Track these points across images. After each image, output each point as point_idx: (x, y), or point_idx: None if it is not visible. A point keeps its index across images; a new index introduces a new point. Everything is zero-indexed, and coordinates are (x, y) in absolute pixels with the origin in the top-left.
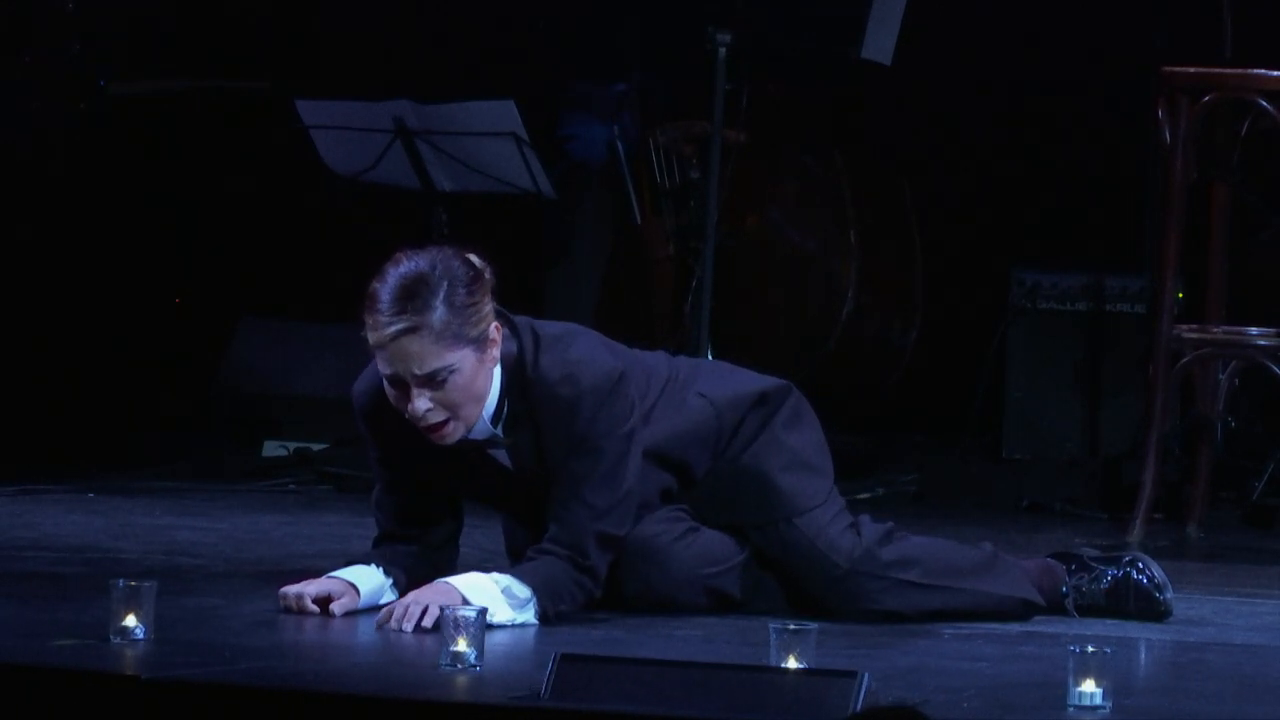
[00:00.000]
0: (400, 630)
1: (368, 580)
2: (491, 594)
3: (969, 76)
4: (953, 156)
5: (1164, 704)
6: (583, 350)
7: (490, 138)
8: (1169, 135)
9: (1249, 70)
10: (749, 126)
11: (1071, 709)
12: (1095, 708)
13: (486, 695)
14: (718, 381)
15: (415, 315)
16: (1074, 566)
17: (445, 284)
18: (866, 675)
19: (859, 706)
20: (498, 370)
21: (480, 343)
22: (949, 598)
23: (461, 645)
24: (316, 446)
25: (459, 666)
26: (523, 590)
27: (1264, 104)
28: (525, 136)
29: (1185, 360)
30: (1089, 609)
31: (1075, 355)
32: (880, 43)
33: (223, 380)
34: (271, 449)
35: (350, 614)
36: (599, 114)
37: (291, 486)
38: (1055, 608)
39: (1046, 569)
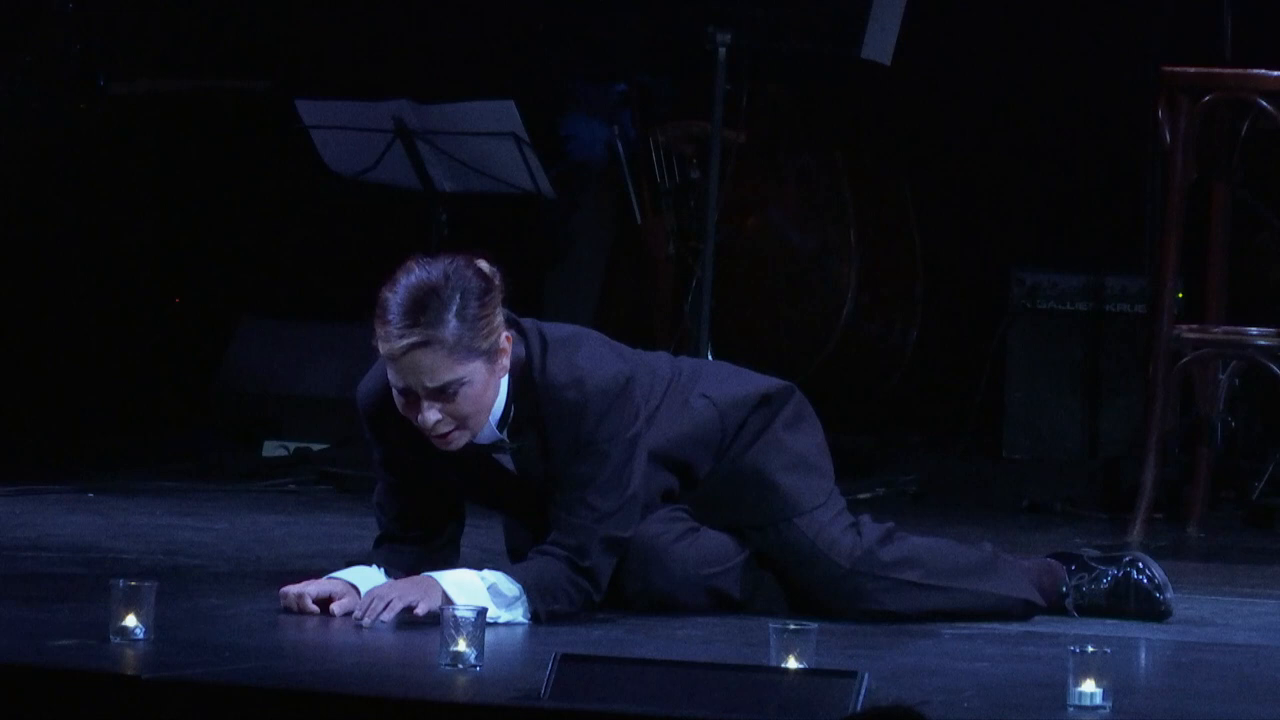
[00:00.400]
0: (361, 623)
1: (368, 581)
2: (475, 590)
3: (969, 76)
4: (953, 156)
5: (1164, 704)
6: (589, 354)
7: (490, 138)
8: (1169, 135)
9: (1249, 70)
10: (749, 126)
11: (1071, 709)
12: (1095, 708)
13: (486, 695)
14: (721, 383)
15: (427, 329)
16: (1074, 566)
17: (457, 296)
18: (866, 675)
19: (859, 706)
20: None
21: (491, 354)
22: (949, 598)
23: (461, 645)
24: (316, 446)
25: (459, 666)
26: (511, 588)
27: (1264, 104)
28: (525, 136)
29: (1185, 360)
30: (1089, 609)
31: (1075, 355)
32: (880, 43)
33: (223, 380)
34: (271, 449)
35: (350, 614)
36: (599, 114)
37: (291, 486)
38: (1055, 608)
39: (1046, 569)
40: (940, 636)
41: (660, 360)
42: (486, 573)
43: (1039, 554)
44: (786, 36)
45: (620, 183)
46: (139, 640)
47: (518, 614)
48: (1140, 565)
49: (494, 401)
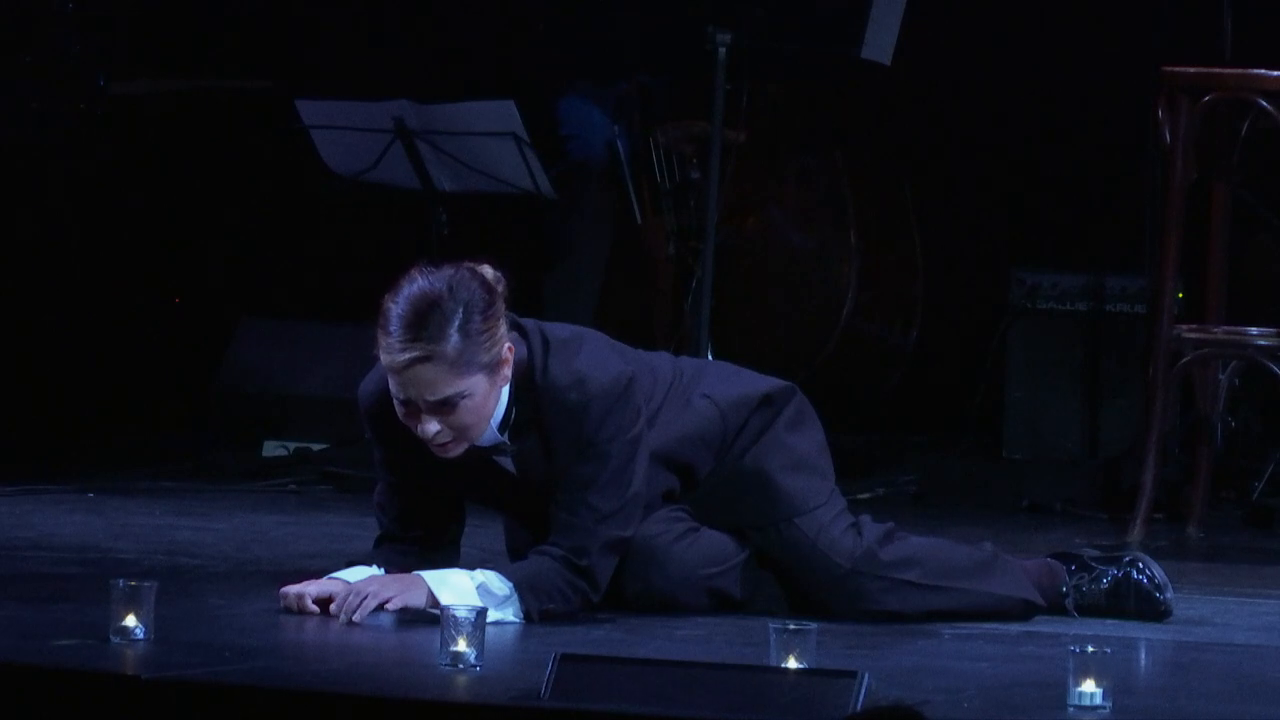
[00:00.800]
0: (341, 618)
1: None
2: (464, 589)
3: (969, 76)
4: (953, 156)
5: (1164, 704)
6: (591, 355)
7: (490, 138)
8: (1169, 135)
9: (1249, 70)
10: (749, 126)
11: (1071, 709)
12: (1095, 708)
13: (486, 695)
14: (722, 383)
15: (429, 344)
16: (1074, 566)
17: (460, 310)
18: (866, 675)
19: (859, 706)
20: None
21: (492, 366)
22: (949, 598)
23: (461, 645)
24: (316, 446)
25: (459, 666)
26: (502, 587)
27: (1264, 104)
28: (525, 136)
29: (1185, 360)
30: (1089, 609)
31: (1075, 355)
32: (880, 43)
33: (223, 380)
34: (271, 449)
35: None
36: (599, 114)
37: (291, 486)
38: (1055, 608)
39: (1046, 569)
40: (940, 636)
41: (661, 360)
42: (478, 572)
43: (1039, 554)
44: (786, 36)
45: (620, 183)
46: (139, 640)
47: (508, 613)
48: (1140, 565)
49: (493, 411)
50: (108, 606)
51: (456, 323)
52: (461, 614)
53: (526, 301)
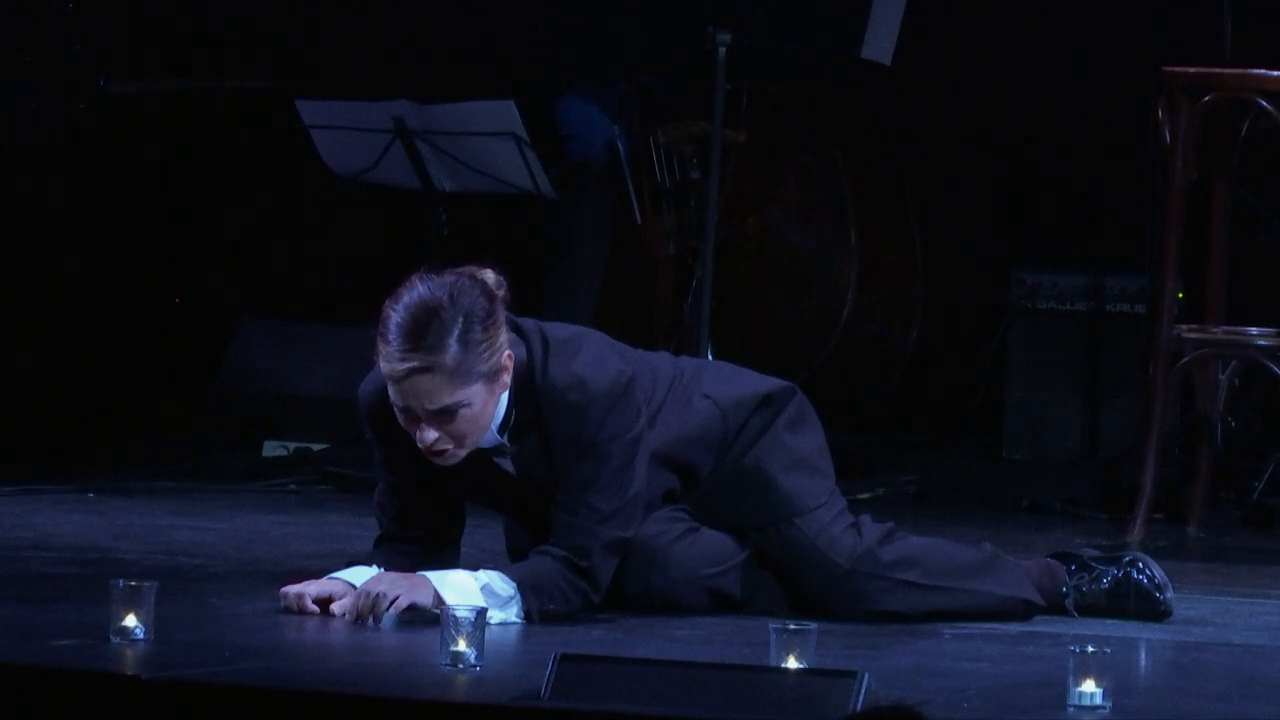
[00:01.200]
0: (356, 621)
1: None
2: (469, 591)
3: (969, 76)
4: (953, 156)
5: (1164, 704)
6: (591, 355)
7: (490, 138)
8: (1169, 135)
9: (1249, 70)
10: (749, 126)
11: (1071, 709)
12: (1095, 708)
13: (486, 695)
14: (722, 383)
15: (428, 354)
16: (1074, 566)
17: (460, 320)
18: (866, 675)
19: (859, 706)
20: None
21: (492, 375)
22: (949, 598)
23: (461, 645)
24: (316, 446)
25: (459, 666)
26: (506, 588)
27: (1264, 104)
28: (525, 136)
29: (1185, 360)
30: (1089, 609)
31: (1075, 355)
32: (880, 43)
33: (223, 380)
34: (271, 449)
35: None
36: (599, 114)
37: (291, 486)
38: (1055, 608)
39: (1046, 569)
40: (940, 636)
41: (661, 360)
42: (481, 573)
43: (1039, 554)
44: (786, 36)
45: (620, 183)
46: (139, 640)
47: (512, 613)
48: (1140, 565)
49: (492, 419)
50: (108, 606)
51: (456, 333)
52: (461, 614)
53: (526, 301)
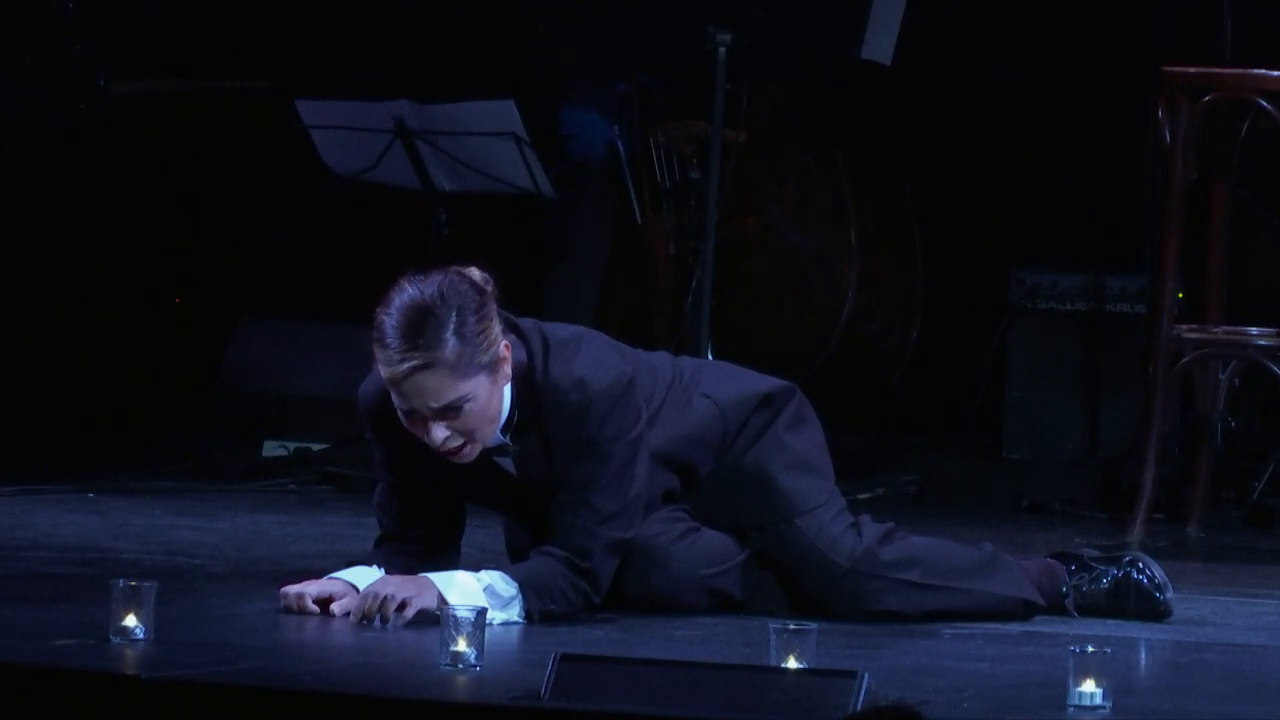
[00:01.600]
0: (362, 622)
1: (368, 581)
2: (472, 592)
3: (969, 76)
4: (953, 156)
5: (1164, 704)
6: (592, 355)
7: (490, 138)
8: (1169, 135)
9: (1249, 70)
10: (749, 126)
11: (1071, 709)
12: (1095, 708)
13: (486, 695)
14: (722, 383)
15: (427, 351)
16: (1074, 566)
17: (454, 314)
18: (866, 675)
19: (859, 706)
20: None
21: (492, 365)
22: (949, 598)
23: (461, 645)
24: (316, 446)
25: (459, 666)
26: (508, 588)
27: (1264, 104)
28: (525, 136)
29: (1185, 360)
30: (1089, 609)
31: (1075, 355)
32: (880, 43)
33: (223, 380)
34: (271, 449)
35: (349, 614)
36: (599, 114)
37: (291, 486)
38: (1055, 608)
39: (1046, 569)
40: (940, 636)
41: (661, 360)
42: (483, 573)
43: (1039, 554)
44: (786, 36)
45: (620, 183)
46: (139, 640)
47: (514, 613)
48: (1140, 565)
49: (500, 410)
50: (108, 606)
51: (451, 327)
52: (462, 614)
53: (526, 301)
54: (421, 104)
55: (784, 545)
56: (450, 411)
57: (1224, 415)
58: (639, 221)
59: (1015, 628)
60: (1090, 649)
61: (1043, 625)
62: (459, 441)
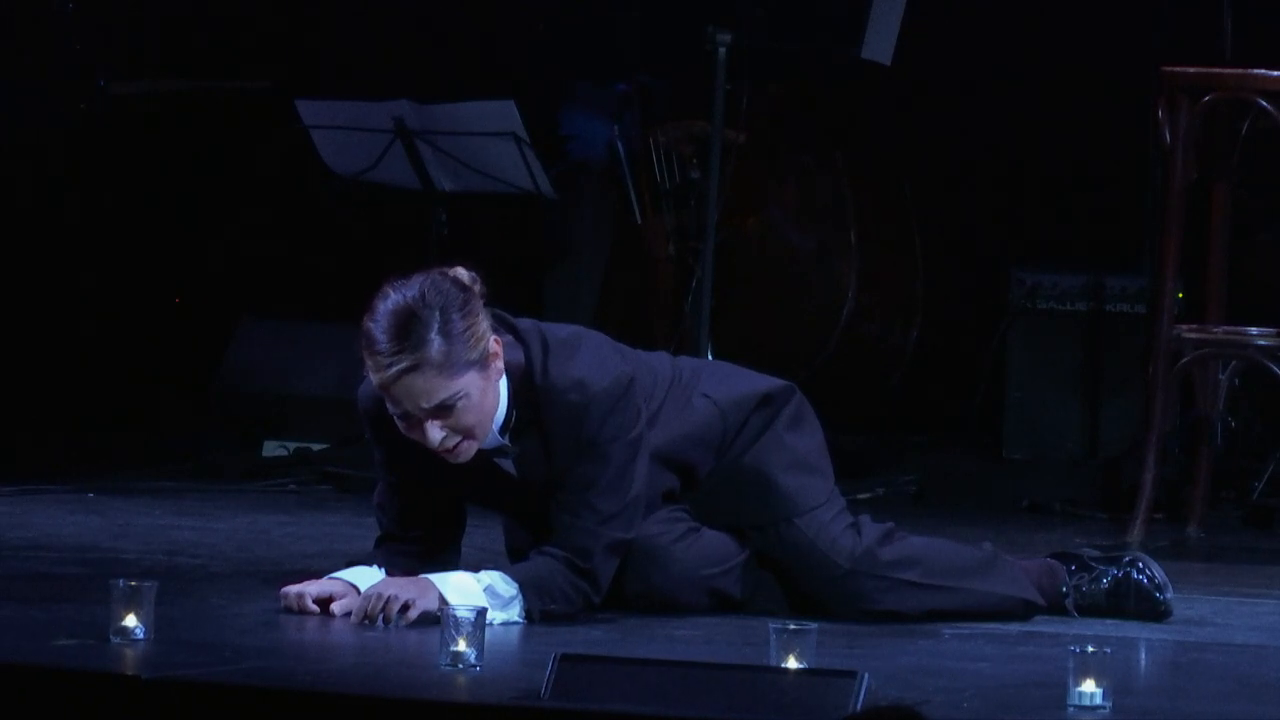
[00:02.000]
0: (363, 623)
1: (369, 581)
2: (473, 593)
3: (969, 76)
4: (953, 156)
5: (1164, 704)
6: (591, 355)
7: (490, 138)
8: (1169, 135)
9: (1249, 70)
10: (749, 126)
11: (1071, 709)
12: (1095, 708)
13: (486, 695)
14: (722, 382)
15: (413, 353)
16: (1074, 566)
17: (437, 314)
18: (866, 675)
19: (859, 706)
20: (504, 379)
21: (482, 362)
22: (949, 598)
23: (461, 645)
24: (316, 446)
25: (459, 666)
26: (508, 588)
27: (1264, 104)
28: (525, 136)
29: (1185, 360)
30: (1089, 609)
31: (1075, 355)
32: (880, 43)
33: (223, 380)
34: (271, 449)
35: (349, 614)
36: (600, 114)
37: (291, 486)
38: (1055, 608)
39: (1046, 569)
40: (940, 636)
41: (660, 360)
42: (483, 574)
43: (1039, 554)
44: (786, 36)
45: (620, 183)
46: (139, 640)
47: (514, 613)
48: (1140, 565)
49: (495, 406)
50: (108, 606)
51: (435, 326)
52: (462, 614)
53: (526, 301)
54: (421, 104)
55: (784, 545)
56: (443, 411)
57: (1224, 415)
58: (639, 221)
59: (1015, 628)
60: (1090, 649)
61: (1043, 625)
62: (456, 440)
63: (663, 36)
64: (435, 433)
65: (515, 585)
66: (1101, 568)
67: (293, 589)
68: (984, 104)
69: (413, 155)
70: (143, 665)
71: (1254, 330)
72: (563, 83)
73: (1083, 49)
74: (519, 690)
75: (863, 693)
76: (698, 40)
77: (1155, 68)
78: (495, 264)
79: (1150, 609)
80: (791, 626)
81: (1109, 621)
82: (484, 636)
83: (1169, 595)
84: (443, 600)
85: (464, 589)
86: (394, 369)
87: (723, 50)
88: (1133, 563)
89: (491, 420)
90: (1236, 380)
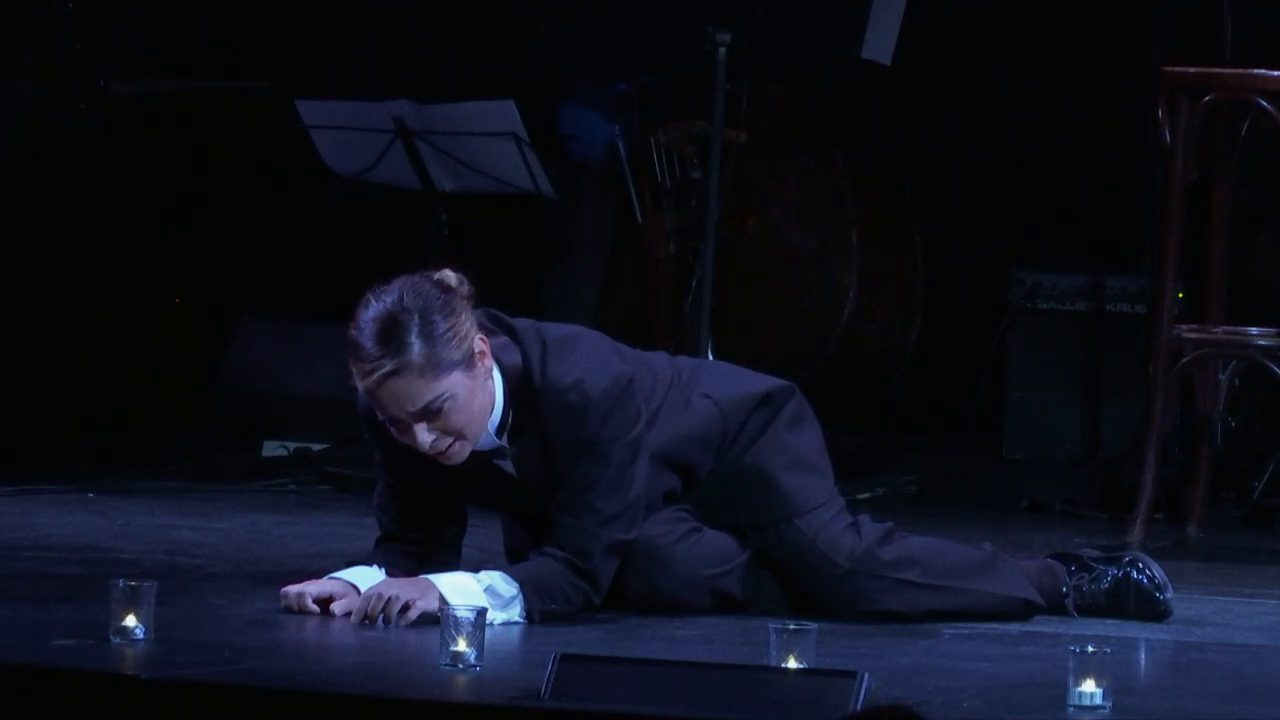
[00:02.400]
0: (364, 623)
1: (368, 581)
2: (471, 592)
3: (969, 76)
4: (953, 156)
5: (1164, 704)
6: (590, 355)
7: (490, 138)
8: (1169, 135)
9: (1249, 70)
10: (749, 126)
11: (1071, 709)
12: (1095, 708)
13: (486, 695)
14: (721, 382)
15: (394, 357)
16: (1074, 566)
17: (417, 317)
18: (866, 675)
19: (859, 706)
20: (500, 381)
21: (467, 362)
22: (949, 598)
23: (461, 645)
24: (316, 446)
25: (459, 666)
26: (508, 588)
27: (1264, 104)
28: (525, 136)
29: (1185, 360)
30: (1089, 609)
31: (1075, 355)
32: (880, 43)
33: (223, 380)
34: (271, 449)
35: (350, 615)
36: (599, 114)
37: (291, 486)
38: (1055, 608)
39: (1046, 569)
40: (940, 636)
41: (660, 360)
42: (483, 574)
43: (1039, 554)
44: (786, 36)
45: (620, 183)
46: (139, 640)
47: (514, 613)
48: (1140, 565)
49: (487, 406)
50: (108, 606)
51: (415, 329)
52: (462, 614)
53: (526, 301)
54: (421, 104)
55: (783, 545)
56: (431, 413)
57: (1224, 415)
58: (639, 221)
59: (1015, 628)
60: (1090, 649)
61: (1043, 625)
62: (447, 442)
63: (663, 36)
64: (425, 436)
65: (515, 585)
66: (1101, 568)
67: (293, 589)
68: (984, 104)
69: (413, 155)
70: (143, 665)
71: (1254, 330)
72: (563, 83)
73: (1083, 49)
74: (519, 690)
75: (863, 693)
76: (698, 40)
77: (1155, 68)
78: (495, 264)
79: (1150, 609)
80: (791, 626)
81: (1109, 621)
82: (484, 636)
83: (1169, 595)
84: (443, 600)
85: (464, 589)
86: (377, 374)
87: (723, 50)
88: (1133, 563)
89: (483, 420)
90: (1236, 380)
